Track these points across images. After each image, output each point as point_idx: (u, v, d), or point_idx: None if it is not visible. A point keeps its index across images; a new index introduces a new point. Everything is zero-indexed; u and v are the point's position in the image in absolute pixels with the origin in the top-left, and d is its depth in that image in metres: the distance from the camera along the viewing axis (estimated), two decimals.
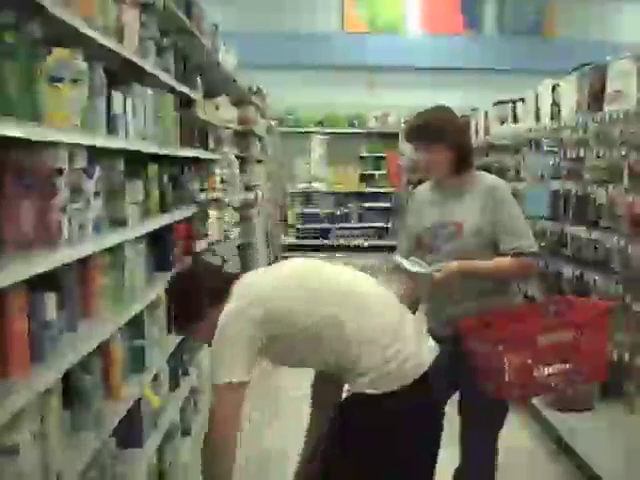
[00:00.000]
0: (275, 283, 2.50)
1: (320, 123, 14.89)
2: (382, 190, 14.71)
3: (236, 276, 2.58)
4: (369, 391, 2.39)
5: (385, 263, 3.10)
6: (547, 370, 2.60)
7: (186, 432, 4.27)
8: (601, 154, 4.59)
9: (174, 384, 3.98)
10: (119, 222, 2.91)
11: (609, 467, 3.82)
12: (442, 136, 2.95)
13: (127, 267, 3.01)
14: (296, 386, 5.84)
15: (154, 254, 3.68)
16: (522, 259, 2.88)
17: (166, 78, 3.81)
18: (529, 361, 2.54)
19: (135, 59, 3.14)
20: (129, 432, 3.06)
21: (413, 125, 3.05)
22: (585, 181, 4.82)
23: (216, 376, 2.37)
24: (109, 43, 2.74)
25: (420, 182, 3.35)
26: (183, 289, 2.59)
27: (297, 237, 14.56)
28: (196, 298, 2.51)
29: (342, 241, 14.53)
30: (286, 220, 14.40)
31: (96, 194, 2.56)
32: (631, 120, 4.14)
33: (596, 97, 4.64)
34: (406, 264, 2.89)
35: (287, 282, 2.50)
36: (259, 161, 9.66)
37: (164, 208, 3.72)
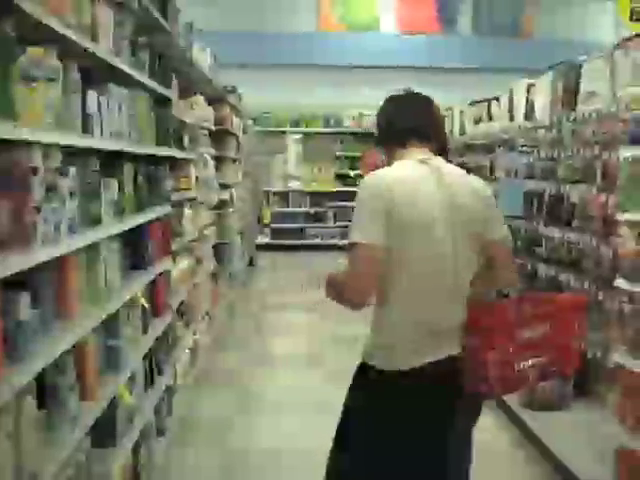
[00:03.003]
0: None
1: (296, 123, 14.90)
2: (357, 190, 14.70)
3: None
4: None
5: None
6: (524, 363, 2.61)
7: (161, 432, 4.26)
8: (575, 153, 4.64)
9: (149, 384, 3.97)
10: (94, 221, 2.91)
11: (584, 466, 3.85)
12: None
13: (102, 266, 3.01)
14: (266, 386, 5.89)
15: (129, 253, 3.67)
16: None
17: (141, 77, 3.80)
18: (509, 352, 2.55)
19: (109, 58, 3.14)
20: (104, 432, 3.06)
21: None
22: (559, 181, 4.86)
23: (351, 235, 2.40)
24: (83, 42, 2.73)
25: None
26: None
27: (273, 236, 14.57)
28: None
29: (317, 240, 14.55)
30: (262, 219, 14.40)
31: (71, 193, 2.55)
32: (604, 119, 4.19)
33: (570, 96, 4.68)
34: None
35: None
36: (235, 160, 9.65)
37: (139, 207, 3.71)
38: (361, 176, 14.69)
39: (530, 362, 2.54)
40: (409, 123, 2.65)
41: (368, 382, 2.51)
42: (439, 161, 2.55)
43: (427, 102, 2.73)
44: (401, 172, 2.46)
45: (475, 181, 2.60)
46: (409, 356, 2.39)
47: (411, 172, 2.46)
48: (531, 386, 4.19)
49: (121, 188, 3.35)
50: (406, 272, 2.38)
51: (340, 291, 2.43)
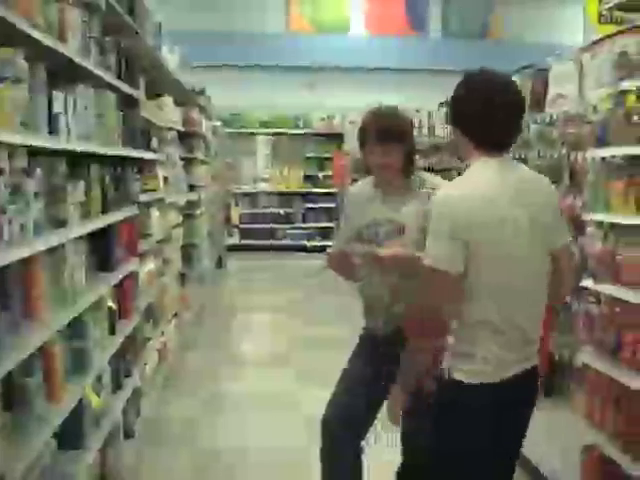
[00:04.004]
0: None
1: (265, 124, 14.90)
2: (326, 190, 14.80)
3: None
4: None
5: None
6: None
7: (129, 433, 4.25)
8: (542, 155, 4.69)
9: (117, 385, 3.96)
10: (60, 223, 2.89)
11: (551, 463, 3.91)
12: (401, 137, 3.00)
13: (68, 268, 2.99)
14: (234, 386, 5.90)
15: (96, 255, 3.66)
16: None
17: (108, 78, 3.79)
18: None
19: (77, 58, 3.12)
20: (71, 433, 3.05)
21: (374, 126, 3.03)
22: None
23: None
24: (50, 42, 2.72)
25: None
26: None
27: (241, 238, 14.55)
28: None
29: (286, 241, 14.57)
30: (230, 220, 14.37)
31: (36, 194, 2.55)
32: (571, 121, 4.24)
33: (538, 98, 4.72)
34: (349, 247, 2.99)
35: None
36: (203, 162, 9.63)
37: (106, 208, 3.69)
38: (328, 177, 14.77)
39: None
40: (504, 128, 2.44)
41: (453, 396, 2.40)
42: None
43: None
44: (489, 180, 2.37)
45: (547, 186, 2.53)
46: (498, 368, 2.35)
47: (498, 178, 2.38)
48: None
49: (87, 189, 3.34)
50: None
51: None
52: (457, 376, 2.34)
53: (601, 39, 4.11)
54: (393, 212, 3.02)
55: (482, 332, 2.32)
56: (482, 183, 2.32)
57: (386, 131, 3.00)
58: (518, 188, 2.35)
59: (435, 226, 2.29)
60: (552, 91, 4.54)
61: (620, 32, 3.91)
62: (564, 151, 4.31)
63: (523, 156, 5.05)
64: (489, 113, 2.37)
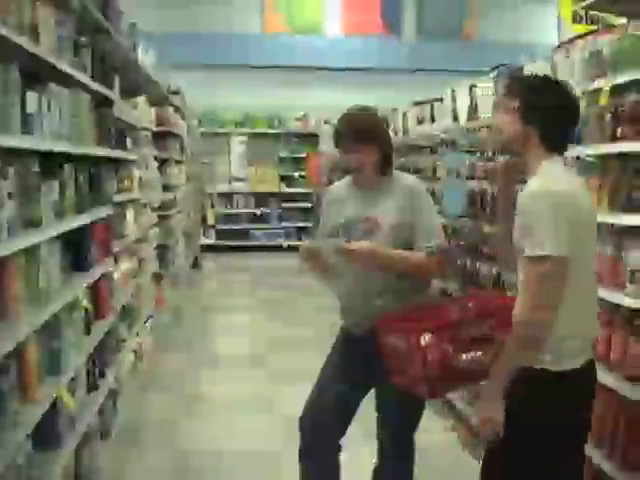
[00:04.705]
0: None
1: (240, 124, 14.89)
2: (302, 190, 14.82)
3: None
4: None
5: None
6: (465, 357, 2.65)
7: (105, 434, 4.24)
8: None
9: (92, 386, 3.95)
10: (34, 223, 2.88)
11: None
12: (374, 138, 3.03)
13: (42, 268, 2.98)
14: (210, 387, 5.89)
15: (70, 255, 3.65)
16: (435, 257, 2.98)
17: (82, 78, 3.77)
18: (450, 351, 2.58)
19: (50, 59, 3.11)
20: (45, 434, 3.03)
21: (347, 127, 3.07)
22: None
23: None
24: (23, 42, 2.71)
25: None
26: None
27: (217, 238, 14.53)
28: None
29: (262, 241, 14.56)
30: (206, 221, 14.34)
31: (10, 195, 2.54)
32: None
33: None
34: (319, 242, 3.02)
35: None
36: (178, 162, 9.61)
37: (80, 209, 3.68)
38: (303, 177, 14.80)
39: (470, 356, 2.59)
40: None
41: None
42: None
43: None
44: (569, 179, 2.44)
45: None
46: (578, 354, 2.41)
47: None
48: (474, 383, 4.26)
49: (62, 189, 3.33)
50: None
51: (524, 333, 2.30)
52: (555, 366, 2.35)
53: (575, 38, 4.16)
54: (369, 210, 3.05)
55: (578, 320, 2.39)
56: (567, 181, 2.38)
57: (358, 131, 3.03)
58: (585, 190, 2.45)
59: (542, 217, 2.26)
60: None
61: (594, 32, 3.97)
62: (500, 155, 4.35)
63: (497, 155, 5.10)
64: (567, 113, 2.42)
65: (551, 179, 2.35)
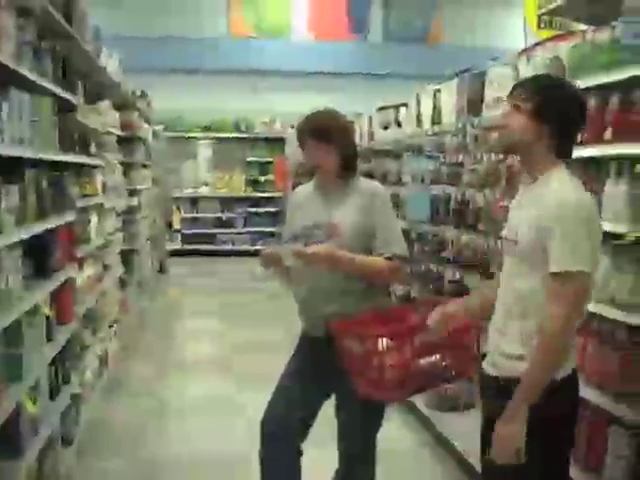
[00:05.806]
0: None
1: (206, 128, 14.85)
2: (268, 195, 14.82)
3: None
4: None
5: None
6: (423, 362, 2.68)
7: (68, 441, 4.21)
8: (478, 159, 4.78)
9: (55, 392, 3.92)
10: None
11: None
12: (330, 137, 3.05)
13: (3, 274, 2.96)
14: (176, 392, 5.88)
15: (32, 261, 3.62)
16: (394, 262, 3.01)
17: (44, 82, 3.75)
18: (408, 356, 2.61)
19: (11, 63, 3.10)
20: (7, 441, 3.02)
21: (303, 125, 3.12)
22: (464, 185, 4.98)
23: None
24: None
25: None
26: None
27: (183, 242, 14.47)
28: None
29: (228, 246, 14.53)
30: (171, 225, 14.27)
31: None
32: None
33: (475, 102, 4.79)
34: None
35: None
36: (144, 166, 9.56)
37: (42, 214, 3.66)
38: (270, 181, 14.79)
39: (427, 360, 2.63)
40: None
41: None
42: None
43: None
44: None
45: None
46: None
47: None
48: (433, 388, 4.30)
49: (23, 195, 3.30)
50: None
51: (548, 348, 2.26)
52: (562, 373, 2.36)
53: (537, 44, 4.22)
54: (330, 214, 3.07)
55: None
56: (583, 189, 2.35)
57: (315, 128, 3.07)
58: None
59: (581, 231, 2.24)
60: (490, 95, 4.62)
61: (556, 37, 4.02)
62: (501, 155, 4.40)
63: (460, 160, 5.14)
64: (581, 114, 2.41)
65: (577, 189, 2.33)
